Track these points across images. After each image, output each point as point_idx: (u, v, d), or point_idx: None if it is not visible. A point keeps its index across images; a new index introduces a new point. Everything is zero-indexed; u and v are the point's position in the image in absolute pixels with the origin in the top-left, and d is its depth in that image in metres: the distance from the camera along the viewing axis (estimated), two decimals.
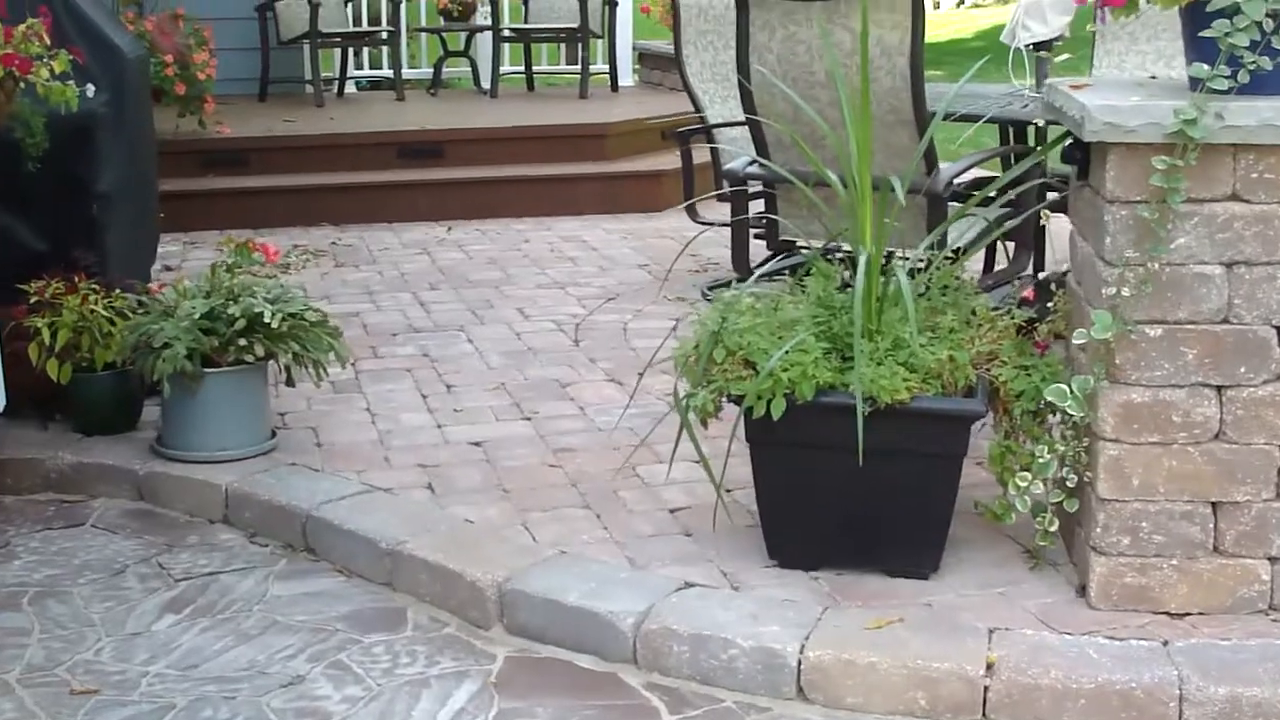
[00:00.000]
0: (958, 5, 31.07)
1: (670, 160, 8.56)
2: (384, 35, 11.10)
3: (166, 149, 7.88)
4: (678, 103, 9.80)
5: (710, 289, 6.40)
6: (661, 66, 11.66)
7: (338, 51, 11.14)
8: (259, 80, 10.67)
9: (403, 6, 10.94)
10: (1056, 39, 5.87)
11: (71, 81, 4.47)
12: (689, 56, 6.15)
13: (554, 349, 5.55)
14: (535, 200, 8.43)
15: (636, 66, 12.28)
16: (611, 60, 11.35)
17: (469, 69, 11.68)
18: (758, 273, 5.09)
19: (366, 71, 11.79)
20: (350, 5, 11.17)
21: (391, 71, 11.14)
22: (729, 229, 6.41)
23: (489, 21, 11.10)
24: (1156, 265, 3.12)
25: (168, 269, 6.95)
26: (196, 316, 4.15)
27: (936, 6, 30.92)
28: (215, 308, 4.21)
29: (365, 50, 11.63)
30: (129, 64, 5.21)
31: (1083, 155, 3.33)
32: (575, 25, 10.79)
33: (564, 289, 6.57)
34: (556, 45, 11.90)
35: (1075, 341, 3.25)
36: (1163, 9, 3.17)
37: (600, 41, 11.26)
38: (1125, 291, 3.12)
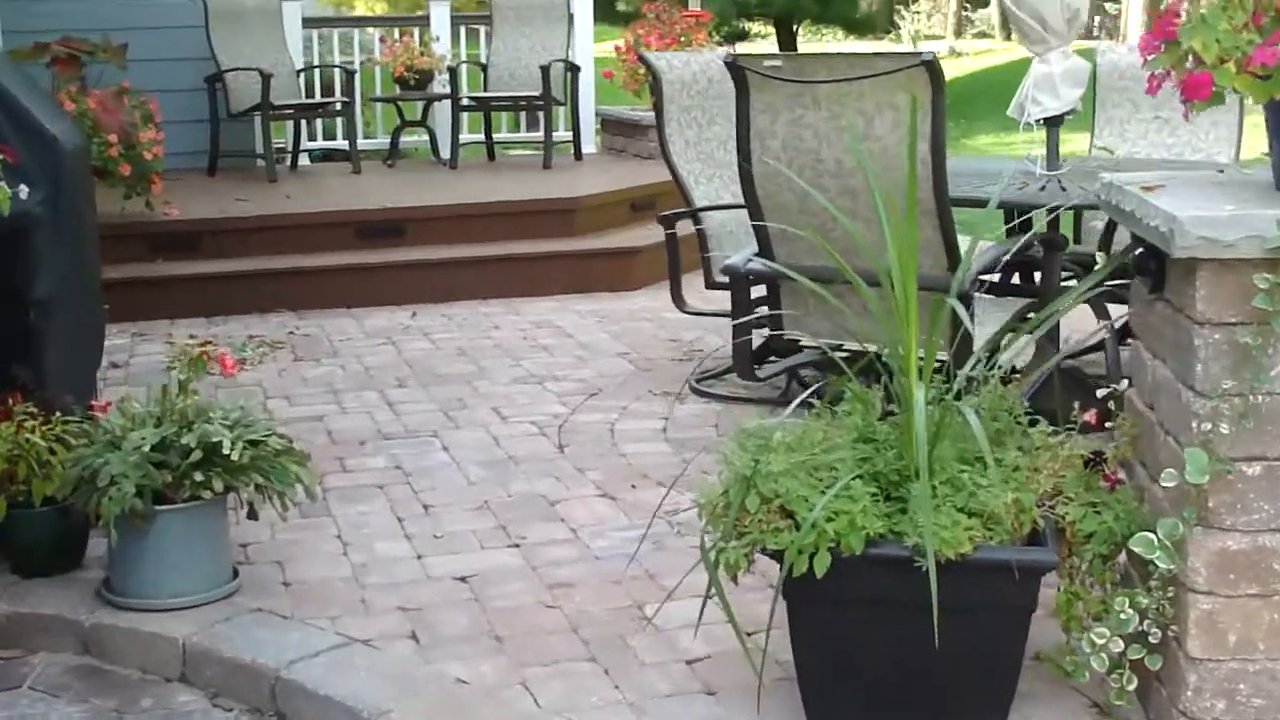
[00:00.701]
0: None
1: (641, 235, 8.20)
2: (338, 106, 10.68)
3: (112, 233, 7.45)
4: (645, 171, 9.42)
5: (699, 381, 5.98)
6: (625, 133, 11.29)
7: (290, 123, 10.68)
8: (208, 154, 10.22)
9: (357, 76, 10.50)
10: (1069, 113, 5.49)
11: (2, 182, 4.03)
12: (672, 135, 5.75)
13: (537, 457, 5.11)
14: (503, 281, 8.00)
15: (599, 132, 11.89)
16: (575, 128, 10.96)
17: (427, 138, 11.24)
18: (770, 372, 4.69)
19: (320, 143, 11.35)
20: (302, 76, 10.74)
21: (346, 142, 10.68)
22: (718, 319, 6.00)
23: (447, 90, 10.70)
24: (1257, 396, 2.71)
25: (114, 366, 6.47)
26: (146, 449, 3.67)
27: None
28: (167, 437, 3.74)
29: (319, 121, 11.18)
30: (67, 156, 4.76)
31: (1158, 267, 2.93)
32: (537, 93, 10.39)
33: (541, 384, 6.13)
34: (516, 113, 11.47)
35: (1164, 485, 2.83)
36: (1255, 102, 2.77)
37: (562, 108, 10.86)
38: (1223, 427, 2.71)
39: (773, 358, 5.30)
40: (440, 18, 11.30)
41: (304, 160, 11.00)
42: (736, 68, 4.24)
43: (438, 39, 11.12)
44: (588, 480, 4.85)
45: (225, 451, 3.68)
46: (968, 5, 41.37)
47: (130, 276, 7.53)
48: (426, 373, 6.35)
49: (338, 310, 7.72)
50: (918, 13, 42.16)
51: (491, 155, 11.15)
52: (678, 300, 5.88)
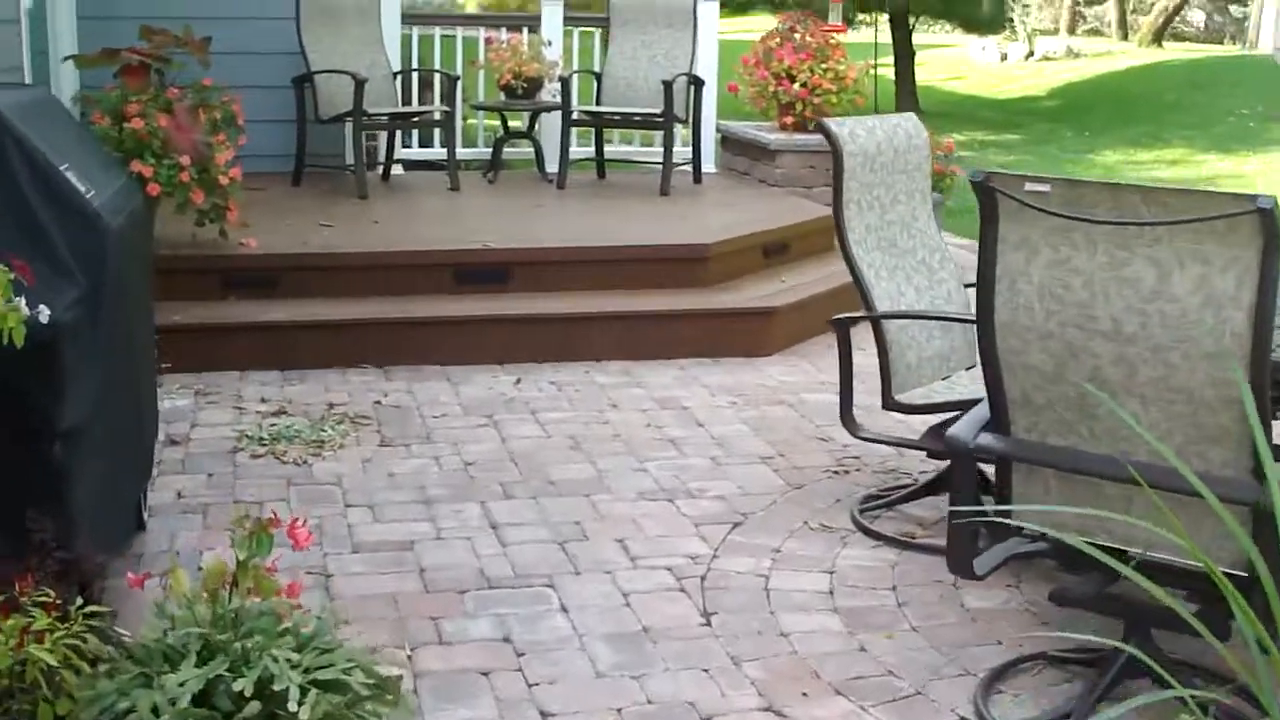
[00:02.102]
0: (1026, 58, 29.62)
1: (776, 289, 7.26)
2: (437, 115, 9.67)
3: (180, 266, 6.59)
4: (776, 207, 8.45)
5: (862, 511, 4.93)
6: (748, 154, 10.23)
7: (384, 132, 9.71)
8: (294, 158, 9.26)
9: (458, 83, 9.47)
10: None
11: (18, 301, 3.06)
12: (851, 220, 4.69)
13: (678, 629, 4.09)
14: (619, 341, 6.99)
15: (718, 151, 10.82)
16: (695, 148, 9.91)
17: (531, 149, 10.22)
18: (989, 567, 3.64)
19: (415, 151, 10.35)
20: (399, 79, 9.74)
21: (444, 151, 9.68)
22: (886, 434, 4.97)
23: (557, 100, 9.67)
24: None
25: (173, 443, 5.51)
26: (186, 702, 2.67)
27: (1004, 58, 29.49)
28: (211, 682, 2.74)
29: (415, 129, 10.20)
30: (113, 238, 3.78)
31: None
32: (657, 110, 9.34)
33: (673, 500, 5.12)
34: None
35: None
36: None
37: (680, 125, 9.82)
38: None
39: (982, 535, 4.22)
40: (553, 19, 10.29)
41: (397, 169, 10.00)
42: (987, 189, 3.18)
43: (549, 44, 10.10)
44: (745, 678, 3.82)
45: (293, 710, 2.67)
46: (1081, 0, 39.87)
47: (198, 322, 6.60)
48: (536, 474, 5.34)
49: (431, 369, 6.74)
50: (1027, 5, 40.74)
51: (602, 173, 10.14)
52: (849, 422, 4.83)
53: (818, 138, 9.36)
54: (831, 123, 4.66)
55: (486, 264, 7.27)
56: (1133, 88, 24.40)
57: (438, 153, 10.09)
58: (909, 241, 4.95)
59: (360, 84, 8.75)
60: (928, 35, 31.52)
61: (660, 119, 9.32)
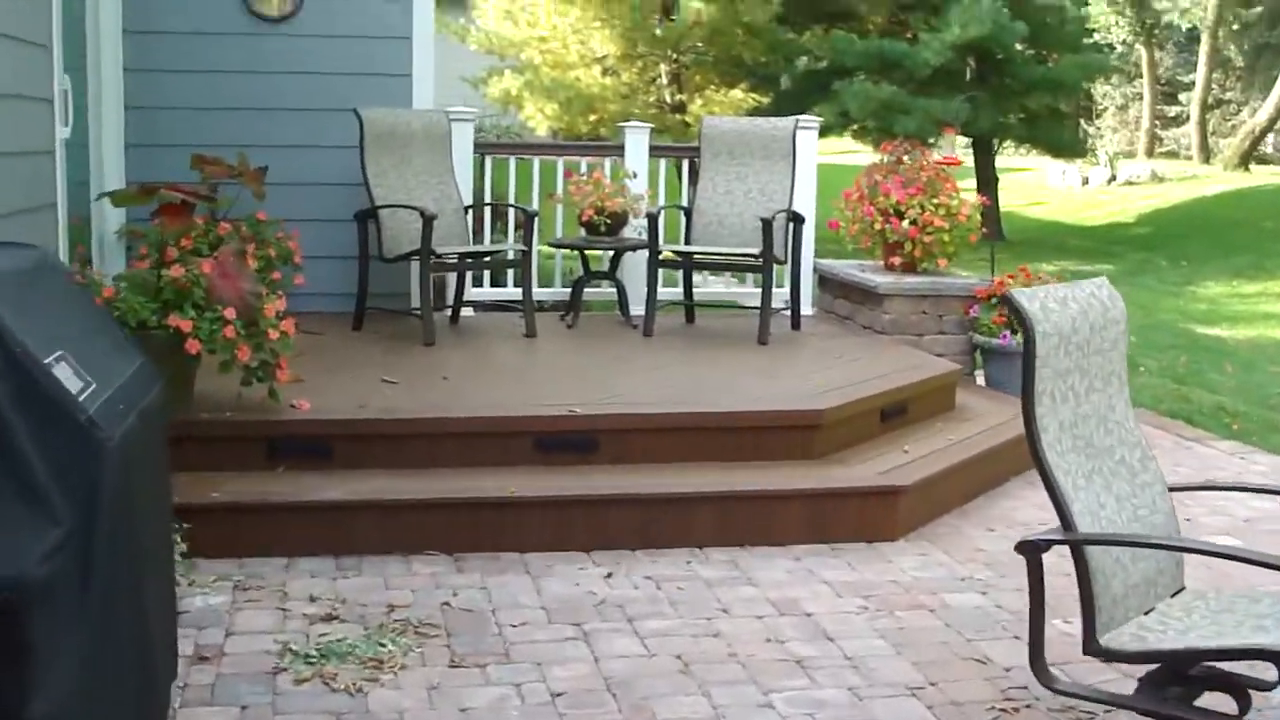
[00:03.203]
0: (1108, 182, 28.72)
1: (898, 461, 6.41)
2: (512, 255, 8.82)
3: (221, 433, 5.71)
4: (889, 359, 7.51)
5: None
6: (850, 297, 9.33)
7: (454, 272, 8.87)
8: (355, 298, 8.42)
9: (535, 219, 8.62)
10: None
11: None
12: (1043, 416, 3.73)
13: None
14: (722, 525, 6.05)
15: (816, 292, 9.92)
16: (795, 291, 9.02)
17: (612, 290, 9.34)
18: None
19: (488, 291, 9.50)
20: (470, 214, 8.91)
21: (518, 292, 8.81)
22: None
23: (643, 238, 8.81)
24: None
25: (202, 659, 4.58)
26: None
27: (1085, 183, 28.61)
28: None
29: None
30: (110, 455, 2.87)
31: None
32: (754, 250, 8.45)
33: None
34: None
35: None
36: None
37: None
38: None
39: None
40: (637, 148, 9.46)
41: (468, 311, 9.14)
42: None
43: (634, 175, 9.27)
44: None
45: None
46: (1158, 122, 39.06)
47: (241, 500, 5.68)
48: (639, 712, 4.38)
49: (508, 557, 5.81)
50: (1101, 128, 39.95)
51: (690, 317, 9.23)
52: (1041, 670, 3.82)
53: (929, 280, 8.48)
54: (1021, 295, 3.72)
55: (571, 432, 6.35)
56: (1226, 214, 23.43)
57: (511, 293, 9.24)
58: (1106, 438, 3.99)
59: (429, 221, 7.92)
60: (1004, 158, 30.76)
61: (758, 260, 8.42)
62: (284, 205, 8.64)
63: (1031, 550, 3.74)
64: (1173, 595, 4.12)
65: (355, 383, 6.91)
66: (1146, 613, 3.96)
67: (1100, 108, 40.97)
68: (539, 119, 20.45)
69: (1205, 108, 35.10)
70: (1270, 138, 34.50)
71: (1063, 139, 22.65)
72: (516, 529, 5.90)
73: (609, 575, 5.65)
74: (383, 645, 4.84)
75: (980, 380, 8.85)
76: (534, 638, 4.98)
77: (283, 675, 4.59)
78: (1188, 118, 36.83)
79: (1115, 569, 3.81)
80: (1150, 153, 36.67)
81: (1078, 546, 3.73)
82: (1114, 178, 28.84)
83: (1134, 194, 27.49)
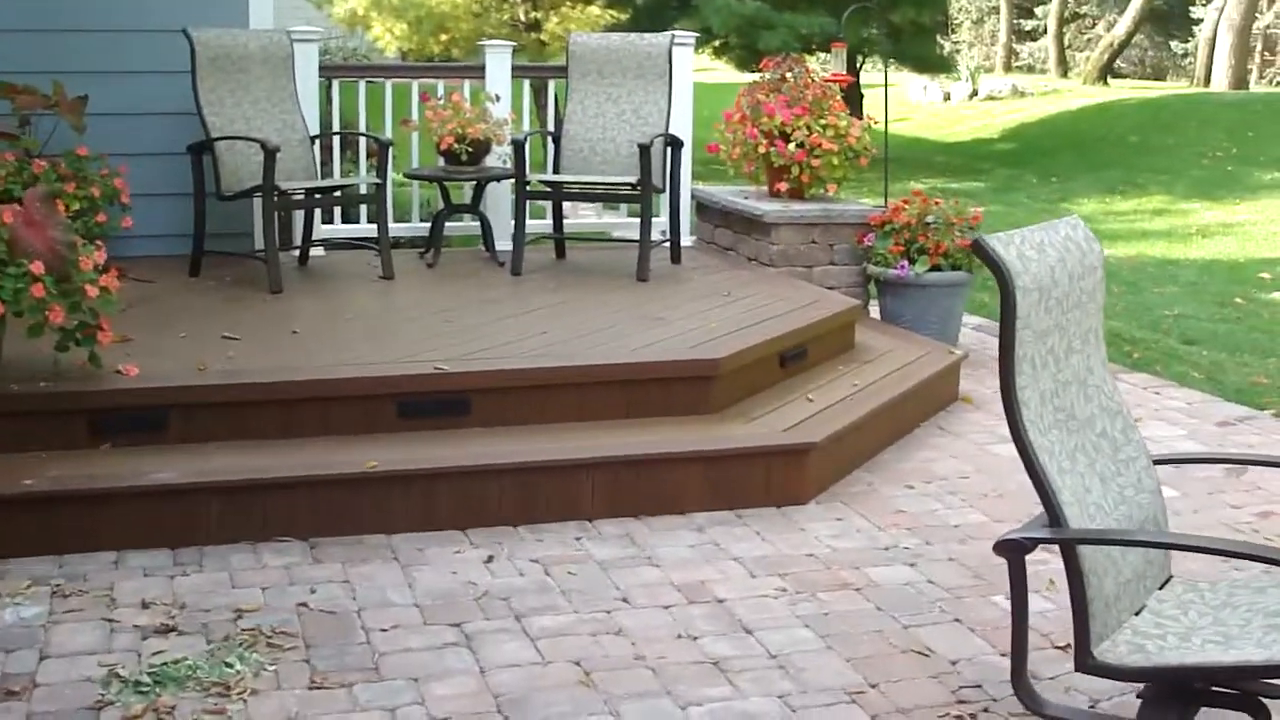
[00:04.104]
0: (970, 97, 28.37)
1: (803, 413, 5.70)
2: (364, 189, 8.00)
3: (34, 407, 4.94)
4: (784, 296, 6.86)
5: None
6: (732, 225, 8.66)
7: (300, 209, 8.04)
8: (191, 240, 7.56)
9: (389, 149, 7.80)
10: None
11: None
12: (1024, 387, 3.09)
13: None
14: (614, 493, 5.36)
15: (693, 220, 9.23)
16: (674, 221, 8.33)
17: (476, 224, 8.56)
18: None
19: (339, 227, 8.67)
20: (317, 145, 8.06)
21: (373, 228, 8.00)
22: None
23: (508, 167, 8.05)
24: None
25: (9, 694, 3.80)
26: None
27: (947, 99, 28.25)
28: None
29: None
30: None
31: None
32: (630, 179, 7.73)
33: None
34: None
35: None
36: None
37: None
38: None
39: None
40: (499, 69, 8.67)
41: (318, 250, 8.32)
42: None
43: (497, 98, 8.48)
44: None
45: None
46: (1014, 36, 38.86)
47: (58, 489, 4.87)
48: None
49: (373, 541, 5.08)
50: (958, 43, 39.67)
51: (561, 253, 8.49)
52: (1024, 691, 3.19)
53: (818, 207, 7.84)
54: (994, 242, 3.06)
55: (438, 393, 5.61)
56: (1090, 129, 23.13)
57: (365, 230, 8.43)
58: (1087, 407, 3.36)
59: (271, 153, 7.08)
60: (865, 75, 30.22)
61: (636, 190, 7.70)
62: (108, 138, 7.76)
63: (1014, 551, 3.10)
64: (1160, 586, 3.51)
65: (192, 341, 6.10)
66: (1137, 612, 3.35)
67: (956, 22, 40.67)
68: (388, 39, 19.44)
69: (1062, 21, 34.91)
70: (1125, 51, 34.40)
71: (930, 55, 22.17)
72: (380, 508, 5.17)
73: (489, 559, 4.95)
74: (229, 666, 4.10)
75: (875, 313, 8.24)
76: (408, 644, 4.27)
77: (109, 711, 3.84)
78: (1044, 31, 36.66)
79: (1108, 566, 3.20)
80: (1008, 68, 36.47)
81: (1070, 545, 3.09)
82: (975, 93, 28.50)
83: (996, 109, 27.16)
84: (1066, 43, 36.05)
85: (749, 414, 5.92)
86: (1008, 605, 4.24)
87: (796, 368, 6.53)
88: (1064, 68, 34.01)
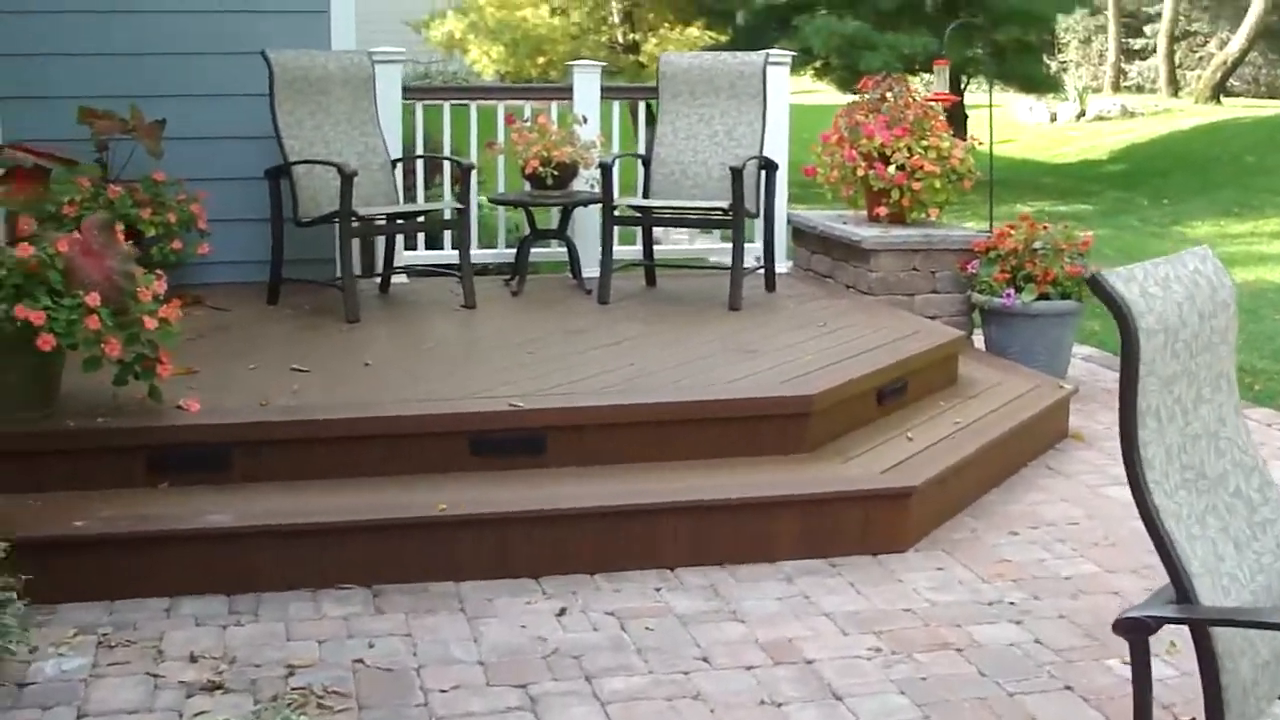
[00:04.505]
0: (1077, 118, 27.74)
1: (902, 453, 5.35)
2: (447, 214, 7.73)
3: (88, 444, 4.67)
4: (883, 326, 6.46)
5: None
6: (830, 252, 8.29)
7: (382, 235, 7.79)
8: (269, 268, 7.33)
9: (472, 172, 7.53)
10: None
11: None
12: (1147, 442, 2.71)
13: None
14: (699, 540, 5.02)
15: (790, 246, 8.88)
16: (769, 248, 7.98)
17: (563, 249, 8.26)
18: None
19: (422, 254, 8.41)
20: (399, 169, 7.81)
21: (456, 253, 7.71)
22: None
23: (595, 191, 7.74)
24: None
25: None
26: None
27: (1053, 119, 27.64)
28: None
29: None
30: None
31: None
32: (723, 204, 7.40)
33: None
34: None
35: None
36: None
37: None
38: None
39: None
40: (588, 90, 8.36)
41: (402, 277, 8.06)
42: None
43: (584, 121, 8.17)
44: None
45: None
46: (1123, 55, 38.06)
47: (109, 532, 4.62)
48: None
49: (439, 589, 4.78)
50: (1065, 62, 38.95)
51: (651, 280, 8.17)
52: None
53: (919, 233, 7.45)
54: (1114, 279, 2.68)
55: (514, 430, 5.29)
56: (1204, 149, 22.45)
57: (449, 255, 8.13)
58: (1218, 463, 2.97)
59: (348, 178, 6.82)
60: (969, 95, 29.74)
61: (728, 215, 7.36)
62: (186, 163, 7.58)
63: (1137, 631, 2.71)
64: None
65: (260, 374, 5.84)
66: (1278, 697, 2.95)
67: (1063, 41, 39.90)
68: (484, 63, 19.26)
69: (1172, 40, 34.12)
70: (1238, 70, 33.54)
71: (1036, 74, 21.62)
72: (449, 554, 4.86)
73: (562, 612, 4.62)
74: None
75: (979, 343, 7.84)
76: (469, 708, 3.95)
77: None
78: (1154, 50, 35.86)
79: (1244, 647, 2.80)
80: (1116, 87, 35.70)
81: (1195, 624, 2.70)
82: (1083, 113, 27.85)
83: (1105, 129, 26.50)
84: (1177, 61, 35.18)
85: (845, 453, 5.55)
86: (1124, 671, 3.87)
87: (895, 404, 6.15)
88: (1175, 87, 33.19)
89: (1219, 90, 29.81)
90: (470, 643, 4.37)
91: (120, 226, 6.84)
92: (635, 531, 4.99)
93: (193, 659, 4.24)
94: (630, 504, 5.00)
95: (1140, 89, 36.16)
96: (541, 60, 19.10)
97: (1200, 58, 35.91)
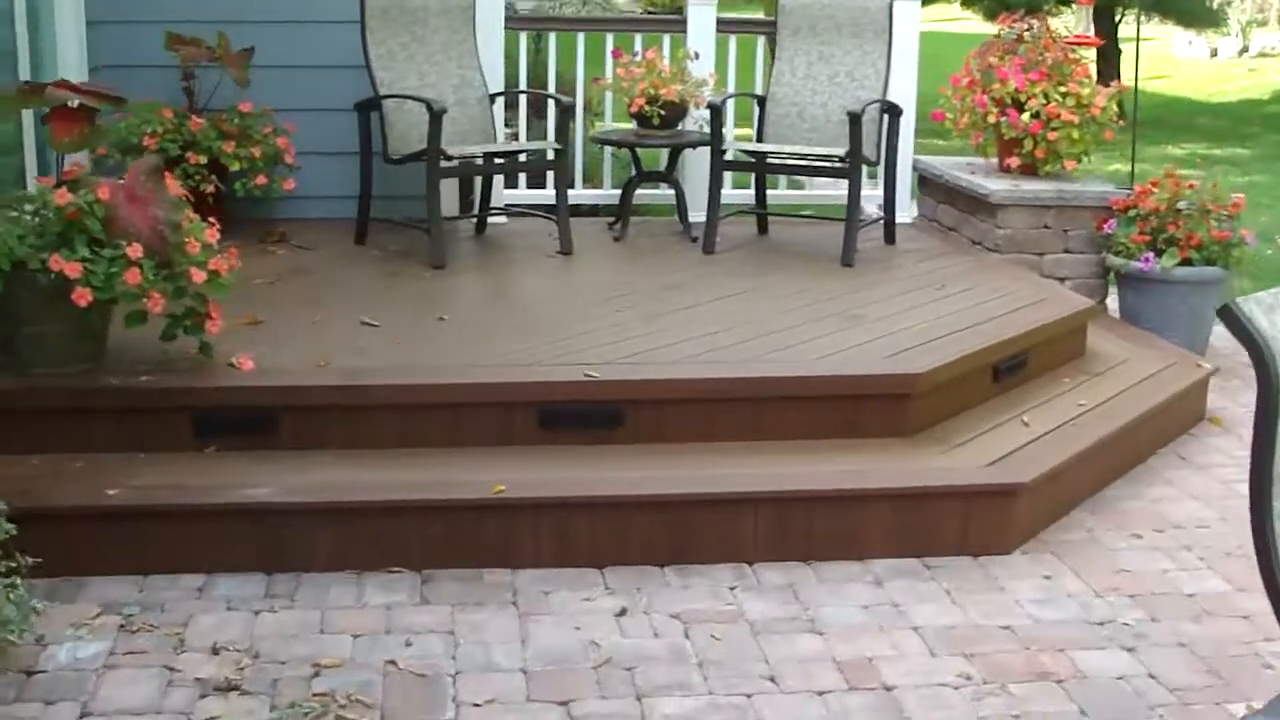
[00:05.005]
0: (1240, 54, 26.46)
1: (1012, 438, 4.74)
2: (547, 154, 7.28)
3: (132, 404, 4.38)
4: (1006, 291, 5.89)
5: None
6: (957, 203, 7.72)
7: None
8: (357, 205, 6.97)
9: (578, 112, 7.06)
10: None
11: None
12: None
13: None
14: (781, 533, 4.57)
15: (915, 193, 8.31)
16: (889, 198, 7.43)
17: (671, 193, 7.78)
18: None
19: (523, 193, 7.99)
20: (500, 102, 7.37)
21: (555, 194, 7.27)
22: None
23: (705, 133, 7.26)
24: None
25: None
26: None
27: (1214, 54, 26.40)
28: None
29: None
30: None
31: None
32: (840, 150, 6.87)
33: None
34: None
35: None
36: None
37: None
38: None
39: None
40: (703, 22, 7.84)
41: (500, 218, 7.65)
42: None
43: (696, 56, 7.67)
44: None
45: None
46: None
47: (144, 503, 4.27)
48: None
49: (493, 577, 4.40)
50: None
51: (764, 227, 7.67)
52: None
53: (1052, 187, 6.90)
54: (1252, 310, 2.16)
55: (589, 402, 4.87)
56: None
57: (552, 196, 7.69)
58: None
59: (437, 116, 6.41)
60: (1124, 27, 28.57)
61: (844, 163, 6.83)
62: (275, 93, 7.23)
63: None
64: None
65: (327, 327, 5.49)
66: None
67: None
68: None
69: None
70: None
71: (1197, 7, 20.50)
72: (506, 539, 4.47)
73: (622, 612, 4.20)
74: None
75: (1113, 308, 7.24)
76: (515, 713, 3.55)
77: None
78: None
79: None
80: None
81: None
82: (1246, 49, 26.57)
83: (1269, 66, 25.26)
84: None
85: (950, 440, 5.05)
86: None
87: (1014, 381, 5.62)
88: None
89: None
90: (516, 645, 3.97)
91: (202, 160, 6.56)
92: (712, 522, 4.56)
93: (214, 651, 3.91)
94: (708, 493, 4.55)
95: None
96: None
97: None
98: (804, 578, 4.48)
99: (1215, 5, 22.61)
